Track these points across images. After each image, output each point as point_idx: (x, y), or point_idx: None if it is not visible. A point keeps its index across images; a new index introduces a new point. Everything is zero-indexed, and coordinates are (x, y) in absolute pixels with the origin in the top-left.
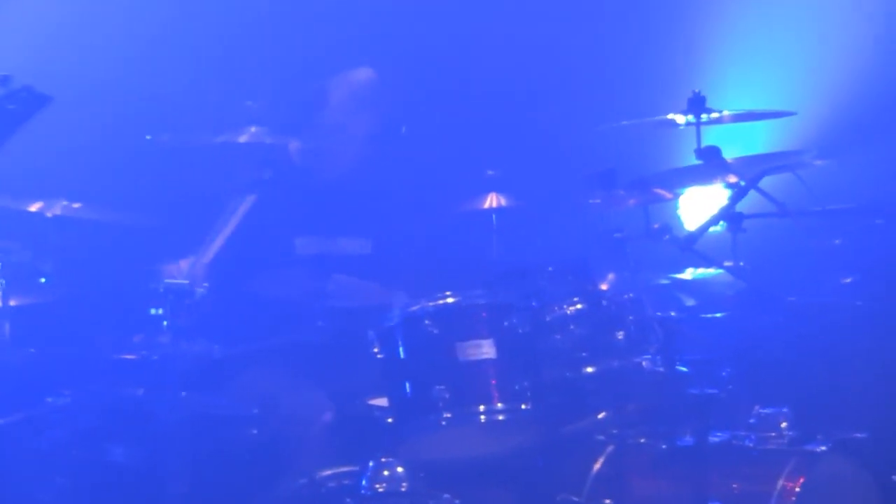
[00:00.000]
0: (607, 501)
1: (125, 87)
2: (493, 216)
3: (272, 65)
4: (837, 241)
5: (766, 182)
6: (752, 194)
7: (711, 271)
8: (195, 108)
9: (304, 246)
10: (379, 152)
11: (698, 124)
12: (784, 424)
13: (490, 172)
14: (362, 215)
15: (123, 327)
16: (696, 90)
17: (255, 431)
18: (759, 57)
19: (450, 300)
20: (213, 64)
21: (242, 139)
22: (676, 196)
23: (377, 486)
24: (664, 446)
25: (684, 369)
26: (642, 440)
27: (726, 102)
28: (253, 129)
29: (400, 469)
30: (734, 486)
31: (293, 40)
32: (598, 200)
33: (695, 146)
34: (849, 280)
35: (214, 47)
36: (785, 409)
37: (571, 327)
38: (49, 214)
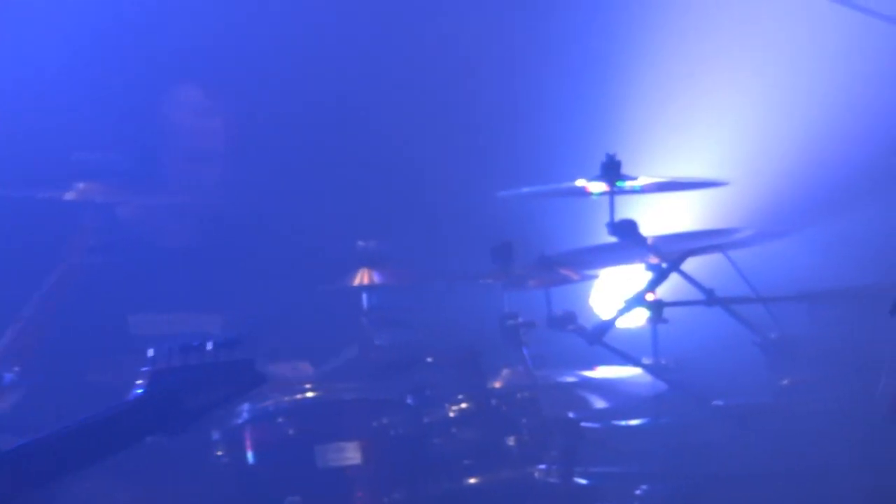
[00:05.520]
0: None
1: None
2: (364, 295)
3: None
4: (774, 336)
5: (692, 264)
6: (675, 279)
7: (626, 369)
8: (12, 159)
9: (140, 325)
10: (228, 212)
11: (612, 193)
12: None
13: (361, 244)
14: (211, 288)
15: None
16: (611, 153)
17: None
18: (688, 117)
19: (309, 394)
20: (36, 103)
21: (69, 196)
22: (585, 278)
23: None
24: None
25: (584, 482)
26: None
27: (646, 169)
28: (82, 185)
29: None
30: None
31: (137, 77)
32: (492, 280)
33: (608, 220)
34: (787, 381)
35: (36, 83)
36: None
37: (454, 430)
38: None
